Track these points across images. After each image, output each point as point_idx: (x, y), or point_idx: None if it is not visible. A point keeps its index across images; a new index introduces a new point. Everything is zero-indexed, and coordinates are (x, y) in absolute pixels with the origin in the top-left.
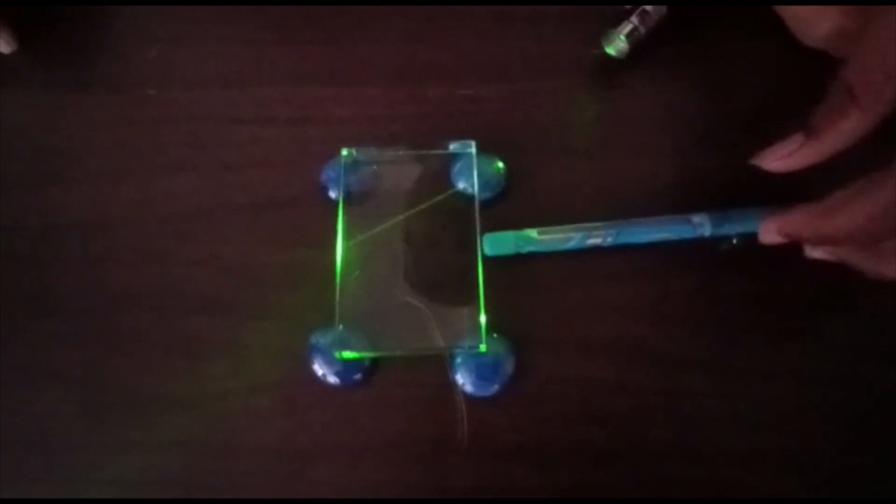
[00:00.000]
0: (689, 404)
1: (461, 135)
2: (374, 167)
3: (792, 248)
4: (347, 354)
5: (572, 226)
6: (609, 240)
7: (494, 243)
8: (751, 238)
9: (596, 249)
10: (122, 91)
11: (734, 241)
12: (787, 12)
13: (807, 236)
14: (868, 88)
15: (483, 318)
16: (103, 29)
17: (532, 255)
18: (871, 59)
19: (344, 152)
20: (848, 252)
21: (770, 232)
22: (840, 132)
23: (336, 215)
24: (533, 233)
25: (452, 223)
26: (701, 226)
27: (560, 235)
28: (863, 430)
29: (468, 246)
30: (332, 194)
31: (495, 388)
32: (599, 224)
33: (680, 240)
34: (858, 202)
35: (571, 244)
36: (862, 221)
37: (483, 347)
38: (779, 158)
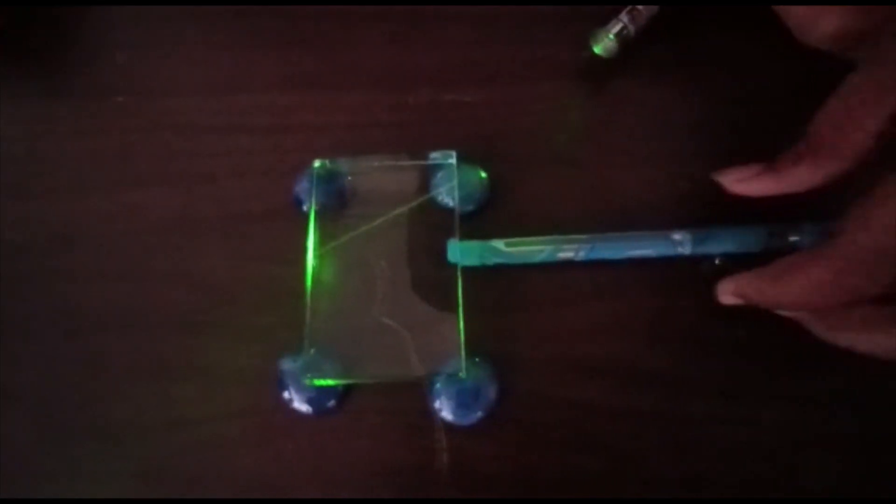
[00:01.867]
0: (685, 429)
1: (444, 143)
2: (349, 178)
3: None
4: (319, 382)
5: (543, 237)
6: (581, 254)
7: (459, 251)
8: (734, 258)
9: (583, 265)
10: (88, 98)
11: (716, 262)
12: (787, 12)
13: (757, 300)
14: (822, 142)
15: (463, 343)
16: (67, 33)
17: (514, 272)
18: (835, 114)
19: (316, 164)
20: (799, 315)
21: (726, 293)
22: (793, 176)
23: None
24: (500, 244)
25: (431, 238)
26: (681, 244)
27: (529, 248)
28: (875, 457)
29: (448, 263)
30: (305, 207)
31: (477, 415)
32: (572, 237)
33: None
34: (793, 275)
35: (541, 257)
36: (797, 294)
37: (464, 374)
38: (736, 181)
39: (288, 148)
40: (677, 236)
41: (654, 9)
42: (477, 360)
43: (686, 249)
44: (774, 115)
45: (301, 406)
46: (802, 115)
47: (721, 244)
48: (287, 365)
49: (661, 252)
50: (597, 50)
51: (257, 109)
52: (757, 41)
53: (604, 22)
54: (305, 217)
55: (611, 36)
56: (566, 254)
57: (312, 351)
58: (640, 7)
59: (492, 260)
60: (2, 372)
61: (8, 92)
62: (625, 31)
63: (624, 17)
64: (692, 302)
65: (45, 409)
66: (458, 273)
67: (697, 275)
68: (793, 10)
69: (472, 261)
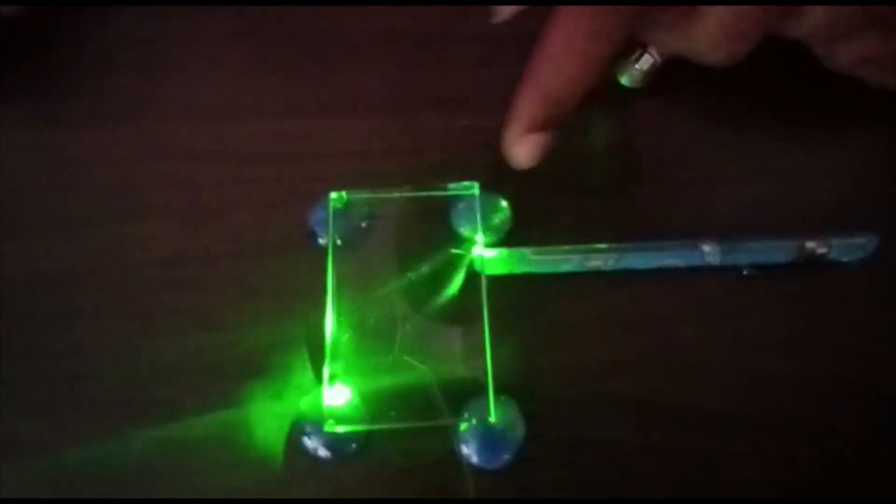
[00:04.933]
0: (723, 469)
1: (461, 170)
2: (367, 210)
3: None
4: (339, 430)
5: (571, 247)
6: (610, 263)
7: (486, 261)
8: (762, 269)
9: (610, 292)
10: (89, 125)
11: (745, 272)
12: (817, 39)
13: None
14: None
15: (491, 385)
16: (65, 54)
17: (541, 301)
18: None
19: (332, 196)
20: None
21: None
22: None
23: (325, 265)
24: (528, 252)
25: (454, 272)
26: (710, 254)
27: (557, 256)
28: None
29: (472, 297)
30: (321, 240)
31: (505, 458)
32: (601, 246)
33: (694, 276)
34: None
35: (570, 266)
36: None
37: (493, 417)
38: None
39: (299, 177)
40: (706, 247)
41: None
42: (503, 398)
43: (715, 260)
44: (800, 139)
45: (321, 451)
46: (827, 139)
47: (750, 255)
48: (305, 408)
49: (689, 262)
50: (623, 81)
51: (265, 136)
52: (782, 66)
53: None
54: (320, 250)
55: (638, 68)
56: (595, 262)
57: (332, 394)
58: None
59: (519, 269)
60: (2, 420)
61: (2, 118)
62: (652, 62)
63: (653, 49)
64: (723, 333)
65: (47, 459)
66: (483, 285)
67: (729, 306)
68: (820, 38)
69: (498, 269)
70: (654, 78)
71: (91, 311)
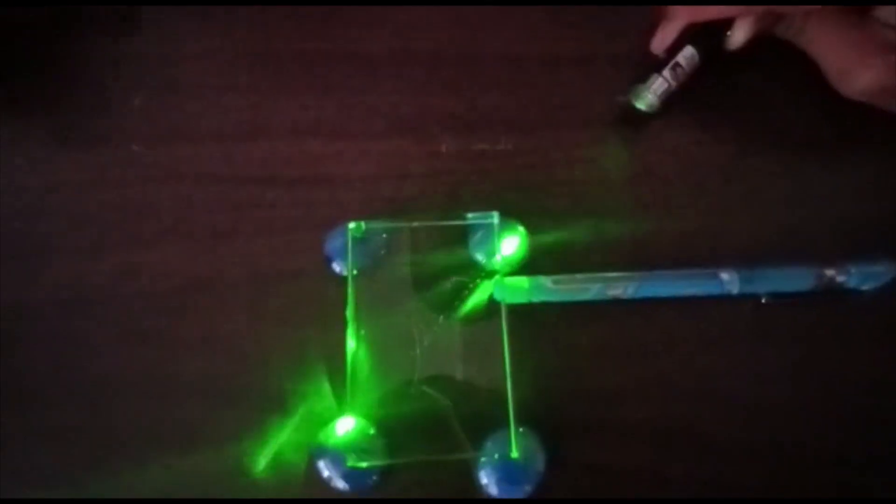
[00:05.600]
0: (744, 498)
1: (477, 194)
2: (385, 237)
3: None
4: (361, 465)
5: (590, 275)
6: (630, 291)
7: (506, 289)
8: (781, 297)
9: (630, 319)
10: (103, 146)
11: (763, 301)
12: (828, 64)
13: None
14: None
15: (513, 419)
16: (78, 74)
17: (559, 329)
18: None
19: (351, 226)
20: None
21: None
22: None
23: (343, 291)
24: (547, 281)
25: (474, 301)
26: (729, 282)
27: (577, 285)
28: None
29: (492, 326)
30: (337, 268)
31: (525, 489)
32: (620, 275)
33: (713, 304)
34: None
35: (590, 295)
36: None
37: (515, 453)
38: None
39: (315, 201)
40: (725, 275)
41: (695, 60)
42: (522, 430)
43: (734, 288)
44: (818, 165)
45: (340, 484)
46: (845, 165)
47: (768, 283)
48: (324, 439)
49: (708, 291)
50: (638, 105)
51: (281, 158)
52: (799, 92)
53: (641, 67)
54: (337, 277)
55: (652, 93)
56: (615, 290)
57: (352, 432)
58: (682, 63)
59: (539, 297)
60: (15, 447)
61: (15, 139)
62: (667, 88)
63: (667, 73)
64: (743, 362)
65: (65, 488)
66: (503, 313)
67: (748, 334)
68: (834, 61)
69: (520, 298)
70: (668, 105)
71: (105, 338)
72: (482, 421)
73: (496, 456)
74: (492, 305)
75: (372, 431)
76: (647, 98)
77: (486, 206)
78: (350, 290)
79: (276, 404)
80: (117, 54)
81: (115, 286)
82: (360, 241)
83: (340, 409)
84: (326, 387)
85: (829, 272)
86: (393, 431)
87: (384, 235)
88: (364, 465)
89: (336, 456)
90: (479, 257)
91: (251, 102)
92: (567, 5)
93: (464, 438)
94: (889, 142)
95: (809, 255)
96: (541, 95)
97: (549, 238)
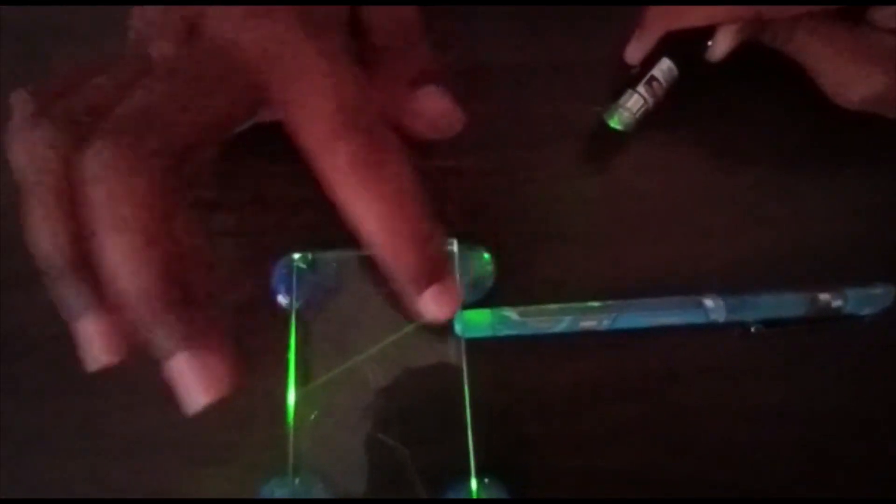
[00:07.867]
0: None
1: (436, 216)
2: (335, 268)
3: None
4: None
5: (561, 306)
6: (605, 323)
7: (467, 323)
8: (771, 325)
9: (602, 359)
10: None
11: (752, 330)
12: (823, 73)
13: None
14: None
15: (473, 466)
16: None
17: (526, 371)
18: None
19: (296, 257)
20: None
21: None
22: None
23: (288, 332)
24: (513, 313)
25: (432, 339)
26: (714, 310)
27: (546, 317)
28: None
29: (451, 364)
30: (285, 303)
31: None
32: (595, 304)
33: (698, 334)
34: None
35: (561, 328)
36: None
37: (475, 494)
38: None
39: (261, 227)
40: (710, 303)
41: (673, 73)
42: (486, 480)
43: (719, 316)
44: (809, 181)
45: None
46: (839, 182)
47: (757, 310)
48: (269, 493)
49: (691, 320)
50: (612, 124)
51: (225, 180)
52: (787, 102)
53: (616, 81)
54: (283, 312)
55: (627, 111)
56: (588, 323)
57: (297, 480)
58: (658, 77)
59: (504, 331)
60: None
61: None
62: (643, 105)
63: (642, 89)
64: (730, 398)
65: None
66: (463, 349)
67: (735, 367)
68: (832, 71)
69: (482, 332)
70: (646, 120)
71: (30, 385)
72: (443, 470)
73: (454, 500)
74: (452, 341)
75: (321, 486)
76: (622, 116)
77: (445, 227)
78: (293, 329)
79: (216, 457)
80: None
81: (37, 323)
82: (308, 275)
83: (286, 463)
84: (272, 437)
85: (824, 297)
86: (343, 484)
87: (335, 265)
88: None
89: None
90: None
91: None
92: (538, 5)
93: (422, 490)
94: (887, 157)
95: (802, 280)
96: (508, 108)
97: (514, 263)
